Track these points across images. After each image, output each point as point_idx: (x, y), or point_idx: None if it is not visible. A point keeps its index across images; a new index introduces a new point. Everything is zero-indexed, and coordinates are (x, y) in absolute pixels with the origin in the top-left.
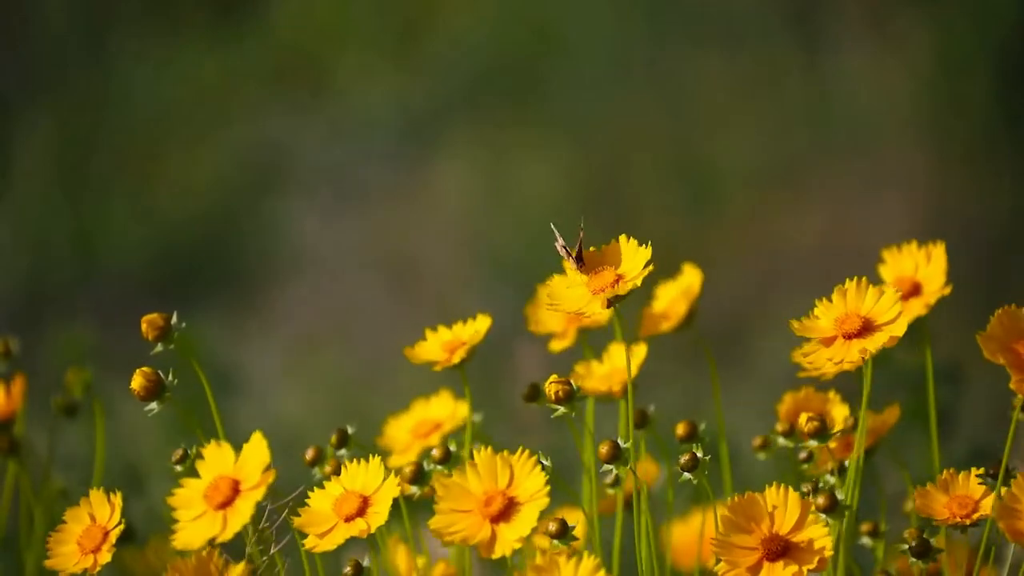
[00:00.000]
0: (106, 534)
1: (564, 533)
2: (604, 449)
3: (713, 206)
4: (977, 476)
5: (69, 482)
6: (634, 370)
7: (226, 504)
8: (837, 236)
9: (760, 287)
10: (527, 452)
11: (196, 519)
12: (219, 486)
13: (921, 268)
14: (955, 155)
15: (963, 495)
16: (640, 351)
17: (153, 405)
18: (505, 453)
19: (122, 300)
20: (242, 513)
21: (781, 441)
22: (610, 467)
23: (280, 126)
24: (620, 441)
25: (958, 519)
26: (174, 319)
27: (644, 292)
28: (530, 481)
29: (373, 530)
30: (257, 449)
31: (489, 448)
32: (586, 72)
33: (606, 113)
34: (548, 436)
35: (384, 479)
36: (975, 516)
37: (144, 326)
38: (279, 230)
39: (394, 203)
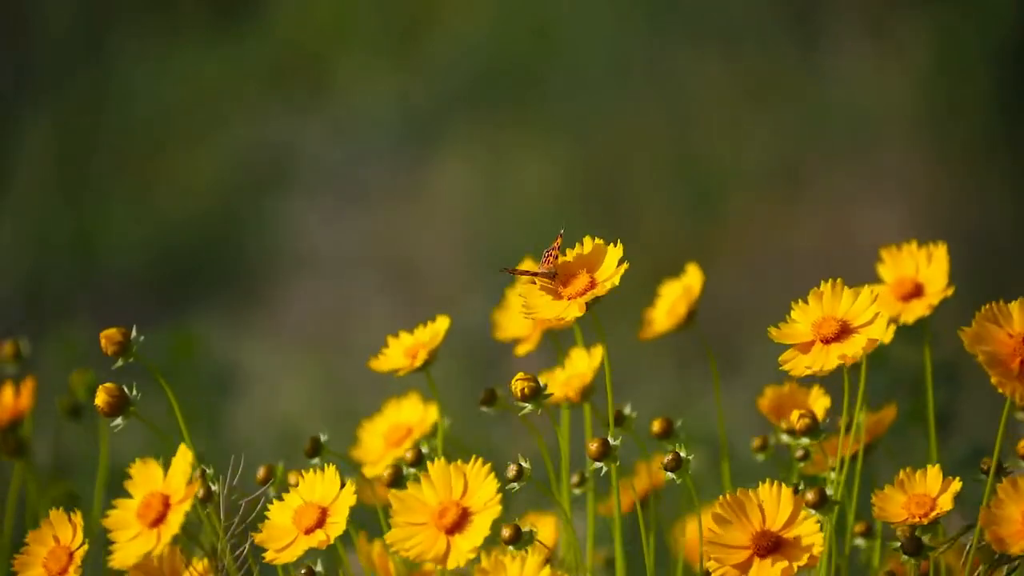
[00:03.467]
0: (71, 555)
1: (518, 539)
2: (594, 447)
3: (713, 206)
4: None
5: (74, 483)
6: (591, 373)
7: (159, 521)
8: (837, 237)
9: (760, 287)
10: (480, 460)
11: (133, 539)
12: (151, 504)
13: (922, 269)
14: (955, 156)
15: (920, 494)
16: (596, 354)
17: (119, 421)
18: (459, 462)
19: (122, 300)
20: (173, 525)
21: (785, 438)
22: (600, 464)
23: (280, 126)
24: (610, 439)
25: (916, 519)
26: (133, 333)
27: (650, 293)
28: (483, 490)
29: (331, 540)
30: (181, 462)
31: (442, 459)
32: (586, 72)
33: (606, 113)
34: (548, 437)
35: (341, 489)
36: (932, 515)
37: (103, 341)
38: (279, 230)
39: (394, 203)
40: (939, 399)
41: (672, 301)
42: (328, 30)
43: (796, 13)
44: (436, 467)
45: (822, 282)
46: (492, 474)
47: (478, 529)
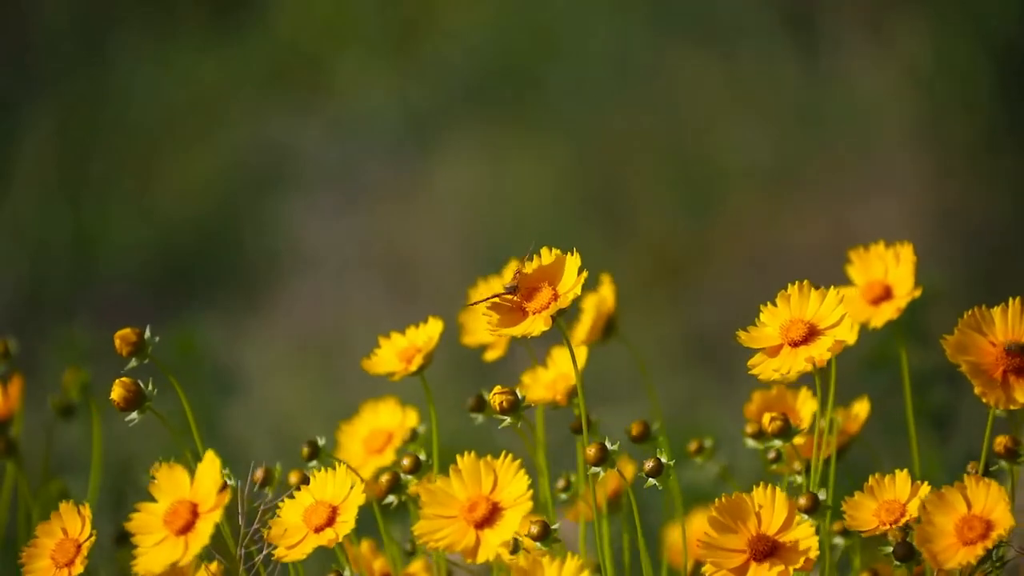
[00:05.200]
0: (79, 547)
1: (546, 535)
2: (592, 451)
3: (712, 207)
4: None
5: (68, 483)
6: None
7: (187, 529)
8: (837, 236)
9: (759, 288)
10: (510, 456)
11: (157, 545)
12: (178, 511)
13: (891, 271)
14: (955, 155)
15: (891, 500)
16: (581, 354)
17: (134, 415)
18: (488, 458)
19: (122, 301)
20: (203, 535)
21: (750, 443)
22: (598, 469)
23: (280, 126)
24: (608, 443)
25: (887, 526)
26: (147, 333)
27: (649, 292)
28: (514, 486)
29: (340, 539)
30: (210, 469)
31: (473, 453)
32: (585, 73)
33: (605, 114)
34: (549, 437)
35: (351, 488)
36: (903, 521)
37: (117, 342)
38: (279, 230)
39: (393, 203)
40: (938, 400)
41: (591, 316)
42: (328, 30)
43: (796, 13)
44: (466, 461)
45: (789, 284)
46: (523, 470)
47: (508, 524)
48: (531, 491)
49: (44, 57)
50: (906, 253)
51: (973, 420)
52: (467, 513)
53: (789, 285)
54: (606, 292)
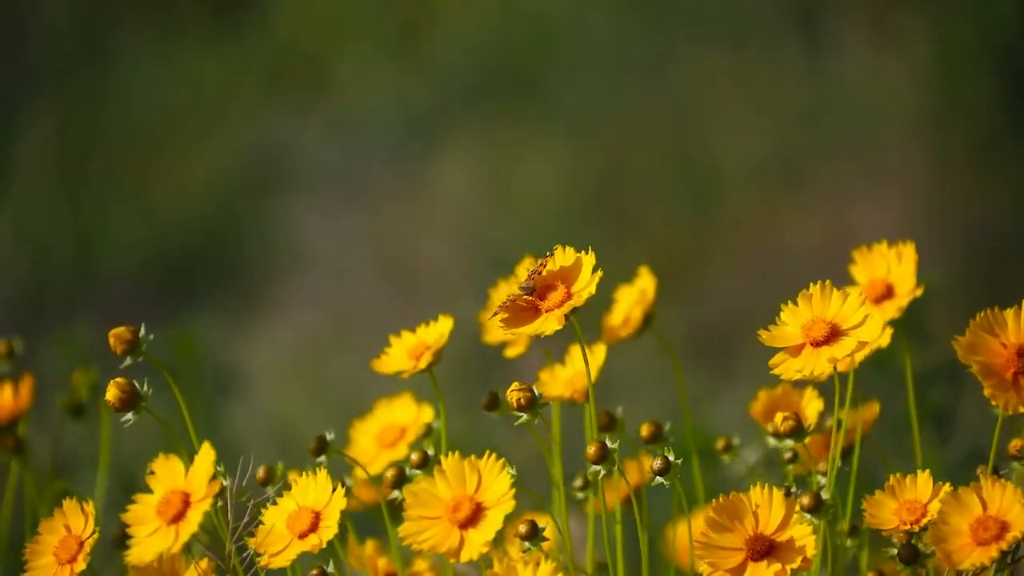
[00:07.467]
0: (81, 544)
1: (534, 535)
2: (592, 450)
3: (713, 205)
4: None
5: (72, 482)
6: (595, 373)
7: (179, 518)
8: (837, 236)
9: (760, 286)
10: (494, 455)
11: (151, 535)
12: (171, 500)
13: (893, 269)
14: (955, 155)
15: (912, 499)
16: (599, 353)
17: (129, 416)
18: (472, 458)
19: (122, 300)
20: (192, 523)
21: (772, 442)
22: (598, 468)
23: (280, 126)
24: (608, 442)
25: (908, 526)
26: (142, 331)
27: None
28: (497, 485)
29: (324, 544)
30: (204, 460)
31: (457, 453)
32: (586, 71)
33: (606, 112)
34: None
35: (332, 492)
36: (924, 521)
37: (112, 340)
38: (279, 230)
39: (394, 202)
40: (940, 400)
41: (628, 307)
42: (328, 30)
43: (797, 12)
44: (450, 462)
45: (811, 284)
46: (506, 469)
47: (491, 524)
48: (513, 490)
49: (44, 57)
50: (908, 252)
51: (973, 420)
52: (451, 513)
53: (811, 284)
54: (647, 284)
